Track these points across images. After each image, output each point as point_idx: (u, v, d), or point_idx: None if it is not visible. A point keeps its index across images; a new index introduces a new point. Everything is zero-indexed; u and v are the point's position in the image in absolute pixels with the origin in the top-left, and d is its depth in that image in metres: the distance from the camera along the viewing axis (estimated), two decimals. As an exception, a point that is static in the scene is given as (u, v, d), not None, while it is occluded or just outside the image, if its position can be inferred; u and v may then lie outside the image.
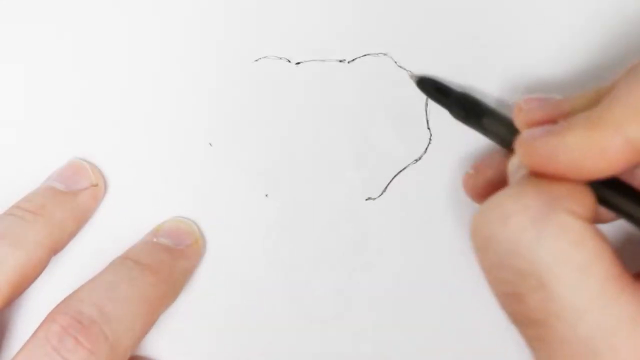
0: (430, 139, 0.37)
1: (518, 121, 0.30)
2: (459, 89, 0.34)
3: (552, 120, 0.29)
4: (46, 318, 0.32)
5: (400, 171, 0.37)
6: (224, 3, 0.37)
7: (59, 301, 0.33)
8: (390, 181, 0.37)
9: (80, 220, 0.36)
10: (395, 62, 0.37)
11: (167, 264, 0.35)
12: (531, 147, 0.27)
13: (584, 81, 0.36)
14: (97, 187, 0.37)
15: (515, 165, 0.30)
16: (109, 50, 0.38)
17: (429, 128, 0.37)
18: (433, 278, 0.36)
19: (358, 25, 0.37)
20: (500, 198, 0.27)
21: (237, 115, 0.37)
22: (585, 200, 0.27)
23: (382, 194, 0.37)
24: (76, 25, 0.38)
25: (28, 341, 0.32)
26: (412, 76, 0.36)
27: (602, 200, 0.28)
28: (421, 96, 0.37)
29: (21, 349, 0.32)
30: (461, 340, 0.37)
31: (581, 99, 0.29)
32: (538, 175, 0.27)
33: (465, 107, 0.33)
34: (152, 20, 0.38)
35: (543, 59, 0.36)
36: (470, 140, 0.37)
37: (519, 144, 0.28)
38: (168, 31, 0.37)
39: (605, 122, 0.26)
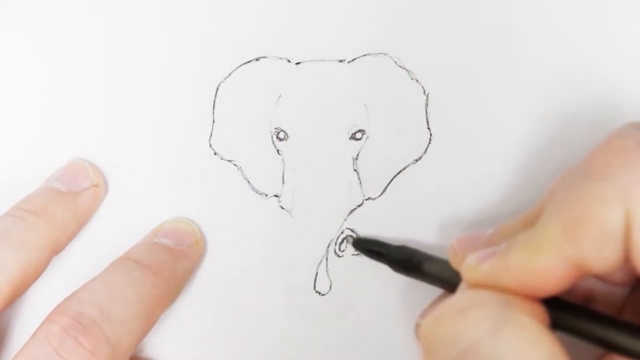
0: (430, 139, 0.37)
1: (455, 263, 0.31)
2: (394, 245, 0.35)
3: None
4: (46, 318, 0.32)
5: (400, 171, 0.37)
6: (224, 3, 0.37)
7: (59, 302, 0.33)
8: (390, 181, 0.37)
9: (81, 220, 0.36)
10: (395, 62, 0.37)
11: (167, 264, 0.35)
12: (476, 272, 0.28)
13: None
14: (98, 188, 0.37)
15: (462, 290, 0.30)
16: (109, 50, 0.38)
17: (429, 128, 0.37)
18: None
19: (358, 25, 0.37)
20: (455, 297, 0.27)
21: (237, 115, 0.37)
22: (540, 310, 0.27)
23: (382, 194, 0.37)
24: (76, 25, 0.38)
25: (28, 342, 0.32)
26: (347, 238, 0.36)
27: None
28: (421, 96, 0.37)
29: (21, 350, 0.32)
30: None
31: (512, 227, 0.29)
32: None
33: (403, 261, 0.34)
34: (152, 20, 0.38)
35: (547, 64, 0.36)
36: (470, 140, 0.37)
37: (464, 270, 0.29)
38: (169, 31, 0.37)
39: (542, 245, 0.26)
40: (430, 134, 0.37)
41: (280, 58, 0.37)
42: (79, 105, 0.38)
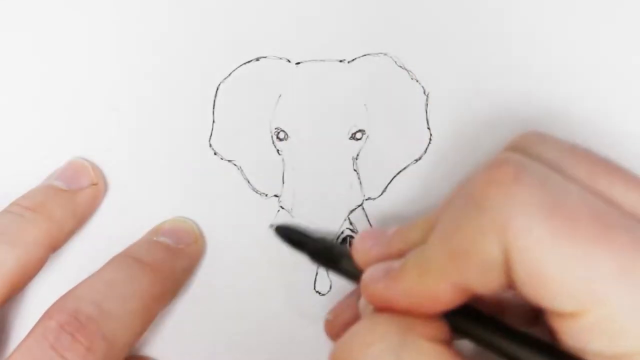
0: (430, 139, 0.37)
1: (357, 260, 0.31)
2: (316, 235, 0.34)
3: (388, 256, 0.30)
4: (44, 315, 0.32)
5: (400, 171, 0.37)
6: (225, 3, 0.37)
7: (57, 299, 0.33)
8: (390, 181, 0.37)
9: (80, 218, 0.36)
10: (395, 62, 0.37)
11: (167, 262, 0.35)
12: (373, 292, 0.29)
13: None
14: (98, 186, 0.37)
15: (364, 303, 0.31)
16: (109, 50, 0.38)
17: (429, 128, 0.37)
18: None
19: (358, 25, 0.37)
20: (359, 327, 0.28)
21: (237, 115, 0.38)
22: (439, 325, 0.28)
23: (382, 194, 0.37)
24: (77, 25, 0.38)
25: (25, 338, 0.32)
26: (270, 225, 0.35)
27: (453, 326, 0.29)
28: (421, 96, 0.37)
29: (18, 346, 0.32)
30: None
31: (412, 231, 0.30)
32: (386, 311, 0.28)
33: (322, 253, 0.33)
34: (153, 20, 0.38)
35: (547, 64, 0.36)
36: (470, 141, 0.37)
37: (362, 288, 0.29)
38: (169, 31, 0.38)
39: (429, 270, 0.27)
40: (430, 134, 0.37)
41: (280, 58, 0.37)
42: (79, 104, 0.38)
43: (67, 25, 0.38)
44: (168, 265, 0.35)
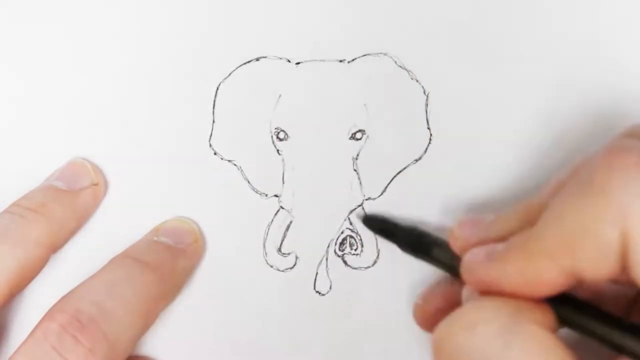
0: (430, 139, 0.37)
1: (455, 248, 0.31)
2: (405, 225, 0.35)
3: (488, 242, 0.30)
4: (45, 316, 0.32)
5: (400, 171, 0.37)
6: (225, 3, 0.37)
7: (58, 299, 0.33)
8: (390, 181, 0.37)
9: (81, 219, 0.36)
10: (395, 62, 0.37)
11: (167, 262, 0.35)
12: (475, 275, 0.29)
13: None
14: (98, 187, 0.37)
15: (467, 292, 0.30)
16: (109, 50, 0.38)
17: (429, 128, 0.37)
18: (433, 277, 0.36)
19: (358, 25, 0.37)
20: (464, 309, 0.28)
21: (237, 115, 0.37)
22: (547, 312, 0.27)
23: (382, 194, 0.37)
24: (77, 25, 0.38)
25: (26, 339, 0.32)
26: (359, 215, 0.36)
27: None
28: (421, 96, 0.37)
29: (19, 347, 0.32)
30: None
31: (512, 218, 0.30)
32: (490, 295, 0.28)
33: (413, 242, 0.34)
34: (152, 20, 0.38)
35: (547, 64, 0.36)
36: (470, 140, 0.37)
37: (463, 272, 0.29)
38: (168, 31, 0.38)
39: (539, 252, 0.27)
40: (430, 134, 0.37)
41: (280, 58, 0.37)
42: (79, 104, 0.38)
43: (67, 25, 0.38)
44: (168, 265, 0.35)
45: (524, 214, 0.29)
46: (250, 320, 0.37)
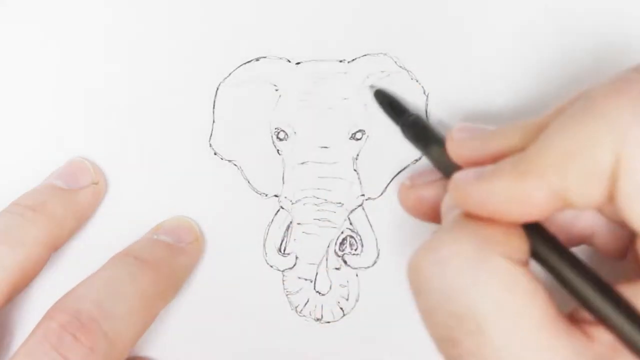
0: (430, 139, 0.37)
1: (450, 150, 0.31)
2: (414, 111, 0.34)
3: (481, 159, 0.29)
4: (45, 315, 0.32)
5: (400, 171, 0.37)
6: (225, 3, 0.37)
7: (58, 298, 0.33)
8: (390, 181, 0.37)
9: (81, 218, 0.36)
10: (395, 62, 0.37)
11: (167, 260, 0.35)
12: (463, 192, 0.28)
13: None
14: (98, 185, 0.37)
15: (447, 205, 0.30)
16: (109, 50, 0.38)
17: (429, 128, 0.37)
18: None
19: (358, 25, 0.37)
20: (434, 242, 0.27)
21: (237, 115, 0.38)
22: (519, 244, 0.27)
23: (382, 194, 0.37)
24: (77, 25, 0.38)
25: (27, 339, 0.32)
26: (371, 86, 0.36)
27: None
28: (421, 96, 0.37)
29: (20, 347, 0.32)
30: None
31: (514, 132, 0.29)
32: (471, 216, 0.28)
33: (415, 130, 0.33)
34: (152, 20, 0.38)
35: (547, 64, 0.37)
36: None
37: (451, 187, 0.29)
38: (168, 31, 0.38)
39: (529, 172, 0.26)
40: (431, 134, 0.37)
41: (280, 58, 0.37)
42: (80, 104, 0.38)
43: (67, 26, 0.38)
44: (168, 263, 0.35)
45: (525, 131, 0.28)
46: (250, 321, 0.37)
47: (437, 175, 0.33)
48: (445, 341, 0.27)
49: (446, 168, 0.31)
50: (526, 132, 0.28)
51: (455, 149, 0.30)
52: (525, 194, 0.26)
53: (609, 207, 0.26)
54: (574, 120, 0.26)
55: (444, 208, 0.30)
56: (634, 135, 0.25)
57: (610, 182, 0.25)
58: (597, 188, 0.25)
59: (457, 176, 0.29)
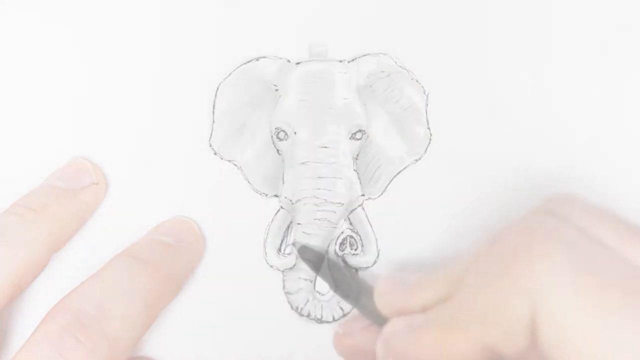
0: (430, 139, 0.37)
1: (377, 302, 0.32)
2: (341, 265, 0.36)
3: (408, 309, 0.31)
4: (46, 316, 0.32)
5: (400, 171, 0.37)
6: (224, 3, 0.37)
7: (59, 299, 0.33)
8: (390, 181, 0.37)
9: (81, 218, 0.36)
10: (395, 62, 0.37)
11: (167, 261, 0.35)
12: (393, 345, 0.29)
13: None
14: (99, 186, 0.37)
15: (382, 355, 0.31)
16: (109, 50, 0.38)
17: (428, 128, 0.37)
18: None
19: (358, 25, 0.37)
20: None
21: (237, 115, 0.38)
22: None
23: (382, 194, 0.37)
24: (76, 25, 0.38)
25: (28, 340, 0.32)
26: (294, 243, 0.37)
27: None
28: (421, 96, 0.37)
29: (21, 348, 0.31)
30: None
31: (436, 282, 0.30)
32: None
33: (343, 285, 0.35)
34: (152, 20, 0.38)
35: (548, 64, 0.37)
36: (470, 141, 0.37)
37: (383, 340, 0.30)
38: (168, 31, 0.38)
39: (455, 326, 0.28)
40: (430, 134, 0.37)
41: (280, 58, 0.37)
42: (80, 104, 0.38)
43: (68, 26, 0.38)
44: (168, 263, 0.35)
45: (446, 280, 0.30)
46: (250, 321, 0.37)
47: (367, 323, 0.34)
48: None
49: (377, 317, 0.33)
50: (449, 282, 0.29)
51: (382, 301, 0.32)
52: (454, 348, 0.27)
53: (536, 353, 0.27)
54: (488, 277, 0.27)
55: (379, 354, 0.31)
56: (545, 291, 0.26)
57: (532, 331, 0.26)
58: (521, 339, 0.26)
59: (388, 330, 0.30)
